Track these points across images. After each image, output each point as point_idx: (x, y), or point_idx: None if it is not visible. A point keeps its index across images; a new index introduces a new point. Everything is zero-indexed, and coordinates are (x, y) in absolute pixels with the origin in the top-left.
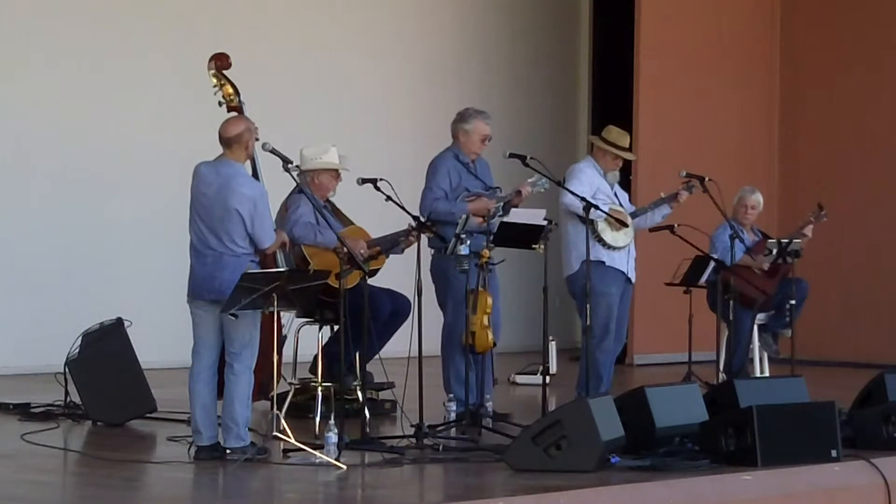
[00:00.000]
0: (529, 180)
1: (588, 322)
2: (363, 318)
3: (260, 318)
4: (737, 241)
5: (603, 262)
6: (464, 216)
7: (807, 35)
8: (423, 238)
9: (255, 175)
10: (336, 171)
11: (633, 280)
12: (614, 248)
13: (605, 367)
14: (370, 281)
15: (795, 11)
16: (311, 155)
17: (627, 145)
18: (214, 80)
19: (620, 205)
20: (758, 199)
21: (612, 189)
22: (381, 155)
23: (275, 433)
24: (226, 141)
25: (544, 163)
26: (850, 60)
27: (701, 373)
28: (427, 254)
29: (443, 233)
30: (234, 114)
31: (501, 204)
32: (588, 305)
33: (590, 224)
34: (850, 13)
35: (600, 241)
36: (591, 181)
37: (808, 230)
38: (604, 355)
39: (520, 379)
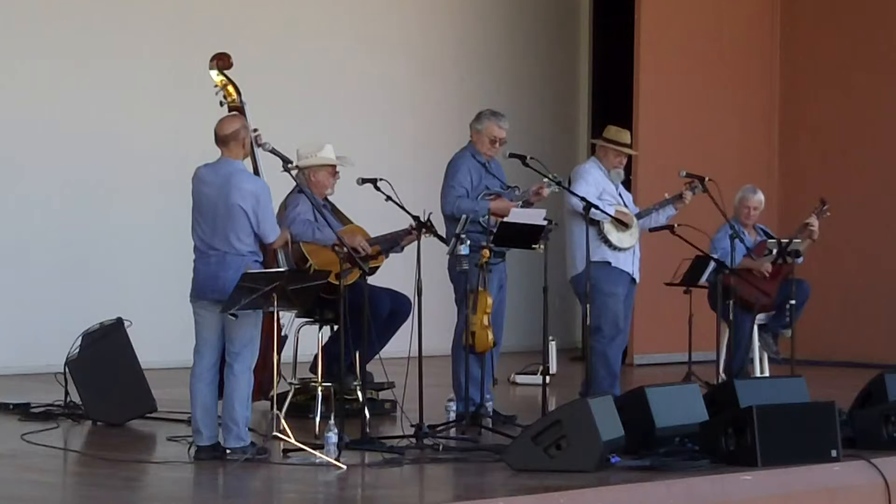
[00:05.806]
0: (545, 180)
1: (589, 322)
2: (363, 317)
3: (262, 318)
4: (737, 241)
5: (609, 263)
6: (464, 216)
7: (807, 36)
8: (422, 238)
9: (257, 173)
10: (333, 167)
11: (638, 280)
12: (620, 249)
13: (618, 365)
14: (370, 280)
15: (795, 12)
16: (307, 152)
17: (628, 141)
18: (216, 80)
19: (625, 205)
20: (760, 199)
21: (616, 189)
22: (381, 155)
23: (275, 433)
24: (222, 139)
25: (544, 163)
26: (850, 61)
27: (701, 373)
28: (427, 254)
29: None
30: (233, 113)
31: (520, 203)
32: (588, 306)
33: (595, 225)
34: (850, 14)
35: (606, 241)
36: (596, 182)
37: (815, 228)
38: (616, 353)
39: (520, 379)
